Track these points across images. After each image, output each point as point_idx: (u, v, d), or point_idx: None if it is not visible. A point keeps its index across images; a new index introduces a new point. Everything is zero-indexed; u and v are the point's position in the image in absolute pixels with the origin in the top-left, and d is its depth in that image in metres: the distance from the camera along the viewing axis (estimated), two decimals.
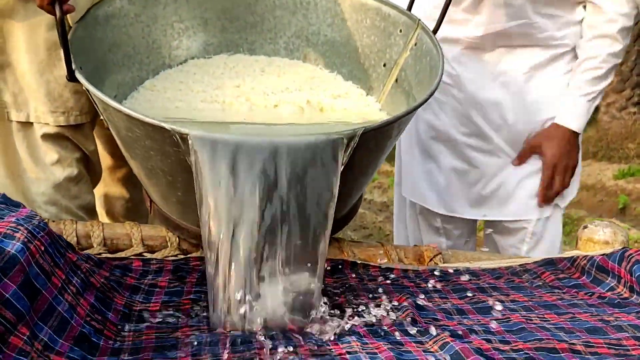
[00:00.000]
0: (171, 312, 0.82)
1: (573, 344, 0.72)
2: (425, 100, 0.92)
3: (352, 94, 1.18)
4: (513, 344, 0.73)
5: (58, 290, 0.71)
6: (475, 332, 0.77)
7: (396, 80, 1.15)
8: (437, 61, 1.03)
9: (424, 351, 0.71)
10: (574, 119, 1.40)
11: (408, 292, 0.92)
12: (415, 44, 1.12)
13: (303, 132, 0.97)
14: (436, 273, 1.03)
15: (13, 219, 0.73)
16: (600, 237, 1.15)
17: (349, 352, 0.71)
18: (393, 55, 1.16)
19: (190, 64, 1.20)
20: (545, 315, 0.82)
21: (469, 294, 0.92)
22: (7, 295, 0.63)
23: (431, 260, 1.13)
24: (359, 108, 1.13)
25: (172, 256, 1.04)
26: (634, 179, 5.46)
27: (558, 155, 1.40)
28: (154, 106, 1.05)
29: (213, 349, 0.71)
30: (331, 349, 0.72)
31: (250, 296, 0.76)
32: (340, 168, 0.78)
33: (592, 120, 7.36)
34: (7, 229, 0.69)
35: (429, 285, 0.98)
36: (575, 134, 1.43)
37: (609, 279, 0.93)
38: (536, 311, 0.84)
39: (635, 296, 0.88)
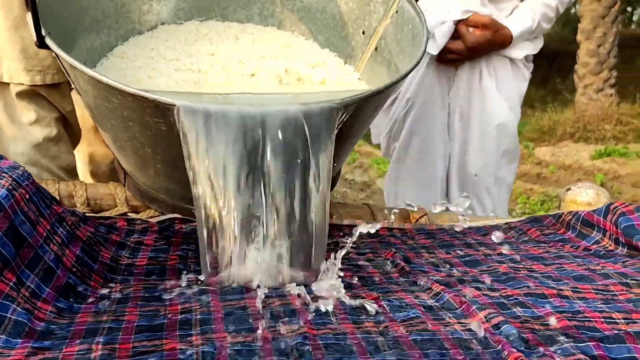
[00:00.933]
0: (158, 267, 0.81)
1: (561, 289, 0.73)
2: (412, 70, 0.91)
3: (329, 63, 1.15)
4: (502, 291, 0.73)
5: (44, 239, 0.70)
6: (464, 281, 0.77)
7: (376, 49, 1.12)
8: (420, 30, 1.00)
9: (414, 297, 0.71)
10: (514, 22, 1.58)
11: (395, 248, 0.92)
12: (397, 12, 1.09)
13: (298, 101, 0.93)
14: (422, 231, 1.04)
15: None
16: (584, 199, 1.17)
17: (342, 302, 0.71)
18: (372, 23, 1.13)
19: (160, 29, 1.15)
20: (533, 266, 0.83)
21: (456, 249, 0.92)
22: None
23: (417, 221, 1.14)
24: (337, 77, 1.11)
25: (156, 216, 1.03)
26: (610, 159, 5.54)
27: (481, 41, 1.56)
28: (126, 74, 1.00)
29: (201, 298, 0.70)
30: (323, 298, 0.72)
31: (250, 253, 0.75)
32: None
33: (569, 102, 7.44)
34: None
35: (416, 242, 0.98)
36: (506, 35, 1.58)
37: (594, 232, 0.94)
38: (523, 262, 0.85)
39: (620, 248, 0.88)
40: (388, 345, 0.58)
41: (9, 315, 0.59)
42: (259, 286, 0.73)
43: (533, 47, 1.58)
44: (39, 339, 0.58)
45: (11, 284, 0.62)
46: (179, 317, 0.65)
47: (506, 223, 1.08)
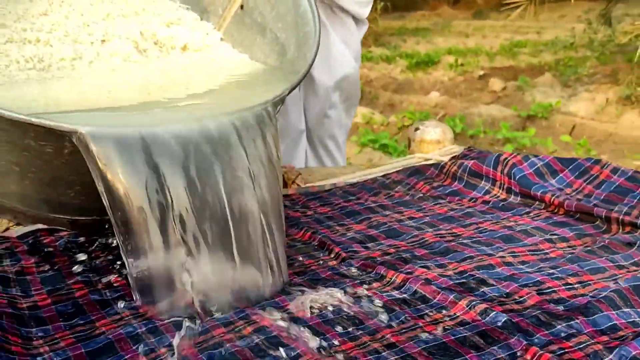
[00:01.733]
0: (70, 303, 0.67)
1: (502, 256, 0.76)
2: (317, 50, 0.83)
3: (184, 19, 1.01)
4: (451, 267, 0.74)
5: None
6: (406, 260, 0.76)
7: (242, 7, 1.02)
8: None
9: (379, 291, 0.69)
10: None
11: (302, 225, 0.88)
12: None
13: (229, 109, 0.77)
14: (311, 196, 1.00)
15: None
16: (432, 137, 1.22)
17: (318, 314, 0.65)
18: None
19: None
20: (453, 230, 0.85)
21: (364, 217, 0.90)
22: None
23: (293, 182, 1.10)
24: (198, 39, 0.99)
25: (12, 227, 0.85)
26: (370, 65, 5.94)
27: None
28: None
29: (161, 340, 0.60)
30: (283, 306, 0.66)
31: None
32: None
33: None
34: None
35: (315, 211, 0.94)
36: None
37: (483, 182, 0.98)
38: (440, 226, 0.86)
39: (512, 197, 0.94)
40: None
41: None
42: (211, 312, 0.65)
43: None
44: None
45: None
46: None
47: (385, 176, 1.08)
